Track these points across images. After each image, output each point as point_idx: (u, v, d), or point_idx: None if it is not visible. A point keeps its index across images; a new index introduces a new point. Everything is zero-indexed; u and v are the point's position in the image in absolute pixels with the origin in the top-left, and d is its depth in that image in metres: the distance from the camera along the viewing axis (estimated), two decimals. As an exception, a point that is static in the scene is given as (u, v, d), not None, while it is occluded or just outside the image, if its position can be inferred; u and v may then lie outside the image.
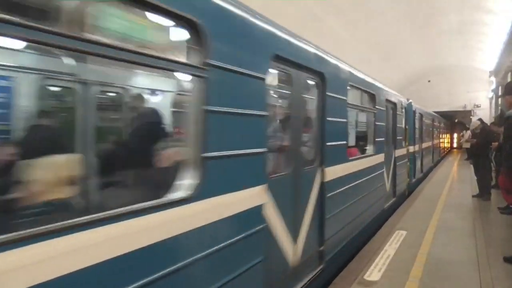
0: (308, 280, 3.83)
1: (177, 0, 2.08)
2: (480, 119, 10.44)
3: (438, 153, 21.26)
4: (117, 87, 4.52)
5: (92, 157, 3.40)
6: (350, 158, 5.17)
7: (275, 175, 3.33)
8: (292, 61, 3.47)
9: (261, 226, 2.90)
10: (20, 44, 2.69)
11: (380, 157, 6.95)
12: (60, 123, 3.62)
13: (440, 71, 24.92)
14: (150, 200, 2.00)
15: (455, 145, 36.40)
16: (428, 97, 25.72)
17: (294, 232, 3.56)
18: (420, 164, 13.13)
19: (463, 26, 16.41)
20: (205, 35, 2.25)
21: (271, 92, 3.46)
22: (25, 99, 3.53)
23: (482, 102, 26.32)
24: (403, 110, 9.65)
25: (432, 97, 26.56)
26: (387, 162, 7.65)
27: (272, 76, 3.23)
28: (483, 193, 9.27)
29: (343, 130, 4.86)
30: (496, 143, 8.27)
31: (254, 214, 2.83)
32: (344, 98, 4.85)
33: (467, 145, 10.52)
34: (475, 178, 10.10)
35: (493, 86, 20.02)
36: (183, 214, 2.13)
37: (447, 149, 31.97)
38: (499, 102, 16.53)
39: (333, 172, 4.41)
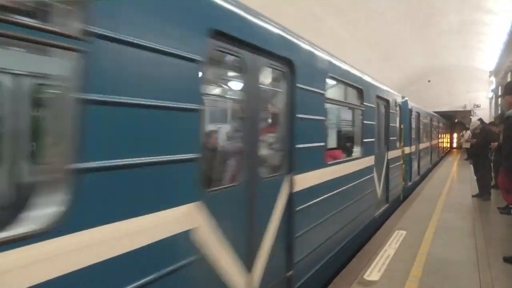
0: None
1: None
2: (480, 119, 10.48)
3: (437, 154, 20.80)
4: None
5: None
6: (330, 163, 4.47)
7: (216, 188, 2.65)
8: (243, 41, 2.76)
9: (188, 260, 2.19)
10: None
11: (370, 160, 6.25)
12: None
13: (440, 71, 25.00)
14: None
15: (455, 145, 36.46)
16: (428, 97, 25.80)
17: (247, 259, 2.87)
18: (417, 166, 12.53)
19: (463, 26, 16.45)
20: None
21: (212, 79, 2.76)
22: None
23: (482, 102, 26.41)
24: (397, 108, 8.93)
25: (432, 97, 26.62)
26: (379, 165, 6.93)
27: (214, 58, 2.64)
28: (483, 193, 9.29)
29: (320, 130, 4.14)
30: (496, 143, 8.28)
31: (177, 245, 2.13)
32: (322, 91, 4.11)
33: (467, 145, 10.55)
34: (475, 178, 10.11)
35: (493, 86, 20.09)
36: (32, 257, 1.42)
37: (447, 149, 31.99)
38: (499, 102, 16.57)
39: (306, 180, 3.70)
